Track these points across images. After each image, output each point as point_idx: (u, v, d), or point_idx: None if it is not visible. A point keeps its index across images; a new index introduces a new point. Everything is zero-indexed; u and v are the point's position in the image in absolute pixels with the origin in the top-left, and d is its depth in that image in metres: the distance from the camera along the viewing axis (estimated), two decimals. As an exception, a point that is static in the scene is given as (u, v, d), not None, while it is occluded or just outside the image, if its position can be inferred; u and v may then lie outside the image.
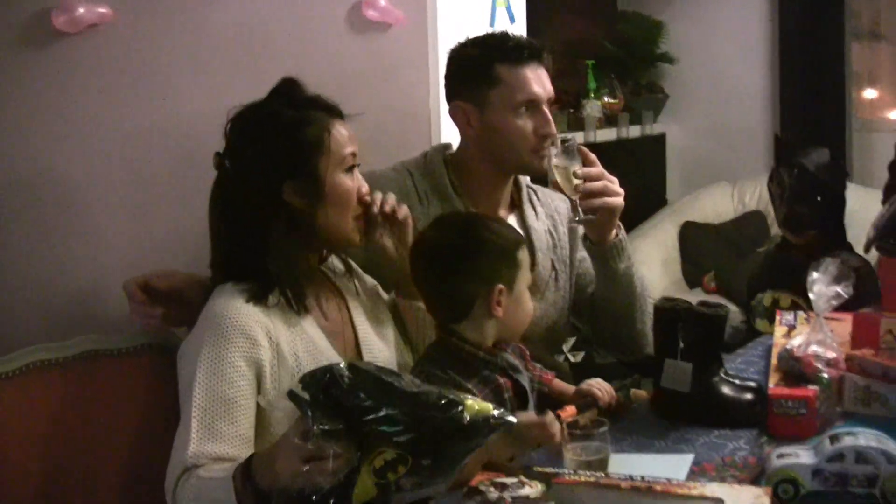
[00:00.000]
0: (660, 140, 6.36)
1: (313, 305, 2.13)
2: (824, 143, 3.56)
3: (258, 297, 2.02)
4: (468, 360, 2.06)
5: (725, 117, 6.10)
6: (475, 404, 1.63)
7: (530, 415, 1.99)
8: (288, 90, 2.14)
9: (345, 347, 2.14)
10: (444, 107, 2.96)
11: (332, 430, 1.60)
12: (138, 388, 2.33)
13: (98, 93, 2.58)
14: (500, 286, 2.07)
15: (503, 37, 2.55)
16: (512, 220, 2.62)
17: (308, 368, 1.79)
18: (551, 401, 2.18)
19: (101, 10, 2.52)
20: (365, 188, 2.17)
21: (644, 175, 6.14)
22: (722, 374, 2.22)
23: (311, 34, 2.93)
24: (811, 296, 2.25)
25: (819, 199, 3.16)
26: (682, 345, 2.21)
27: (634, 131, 6.05)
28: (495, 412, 1.64)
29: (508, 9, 3.26)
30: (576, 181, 2.38)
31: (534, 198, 2.72)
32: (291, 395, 1.65)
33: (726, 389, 2.20)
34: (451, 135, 3.01)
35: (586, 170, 2.40)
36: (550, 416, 1.97)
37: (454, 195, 2.56)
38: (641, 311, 2.61)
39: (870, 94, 5.76)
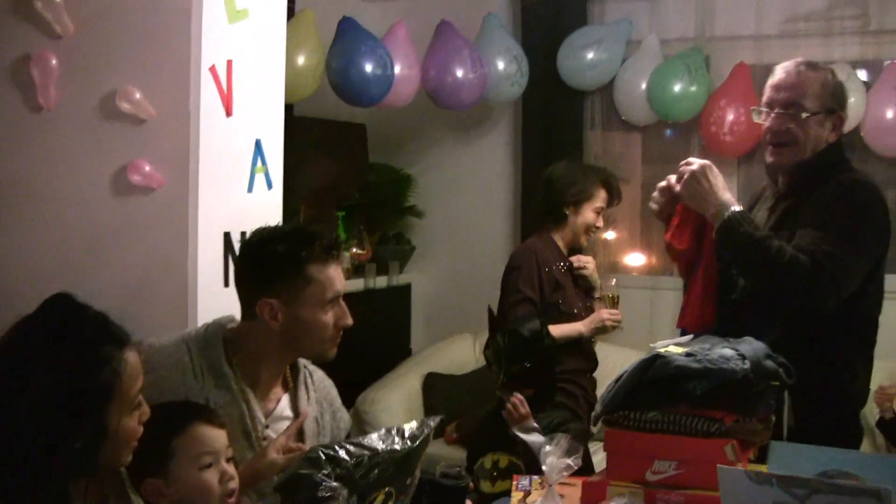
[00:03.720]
0: (405, 290, 6.48)
1: None
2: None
3: None
4: None
5: (469, 268, 6.27)
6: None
7: None
8: (67, 314, 1.95)
9: None
10: (203, 269, 3.04)
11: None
12: None
13: None
14: (152, 481, 2.17)
15: (311, 237, 2.60)
16: (285, 400, 2.69)
17: None
18: None
19: None
20: (146, 414, 2.06)
21: (389, 325, 6.29)
22: (462, 540, 2.36)
23: (76, 194, 3.01)
24: (544, 468, 2.41)
25: (533, 360, 3.42)
26: (426, 513, 2.34)
27: (381, 281, 6.13)
28: None
29: (266, 175, 3.34)
30: None
31: (308, 380, 2.77)
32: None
33: (467, 556, 2.34)
34: (208, 299, 3.06)
35: None
36: None
37: (230, 373, 2.56)
38: None
39: (611, 235, 6.01)
